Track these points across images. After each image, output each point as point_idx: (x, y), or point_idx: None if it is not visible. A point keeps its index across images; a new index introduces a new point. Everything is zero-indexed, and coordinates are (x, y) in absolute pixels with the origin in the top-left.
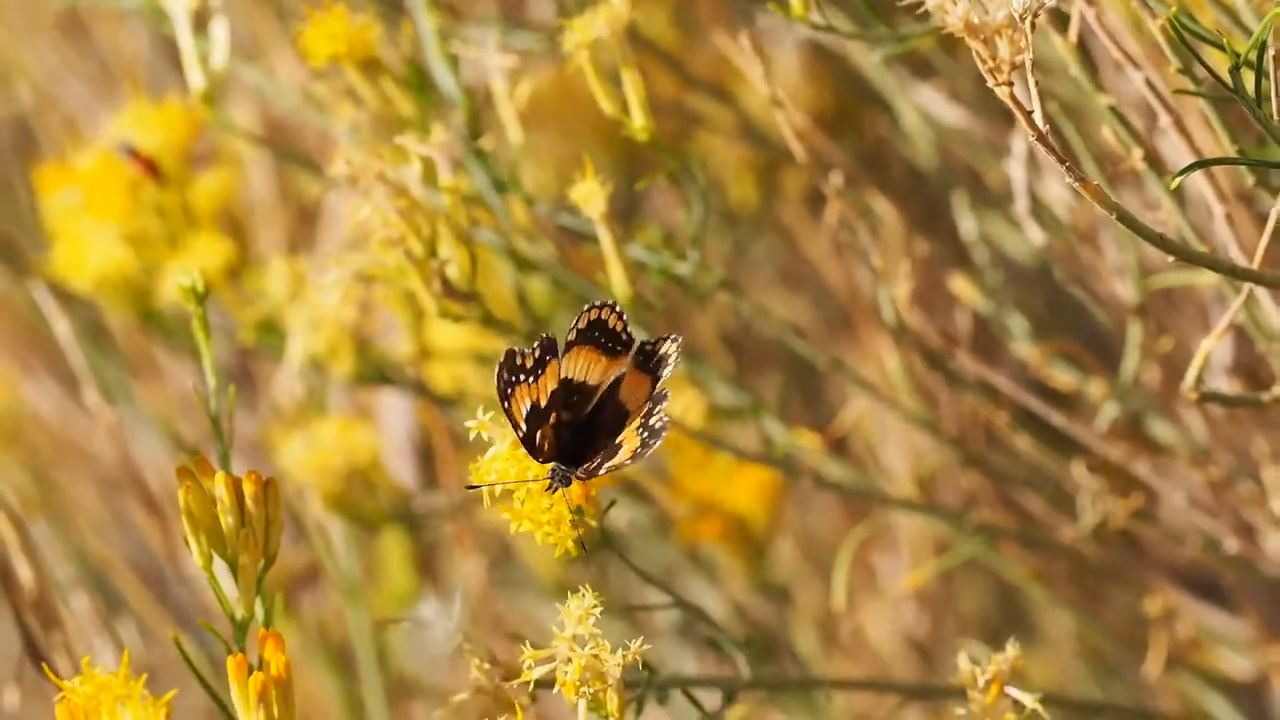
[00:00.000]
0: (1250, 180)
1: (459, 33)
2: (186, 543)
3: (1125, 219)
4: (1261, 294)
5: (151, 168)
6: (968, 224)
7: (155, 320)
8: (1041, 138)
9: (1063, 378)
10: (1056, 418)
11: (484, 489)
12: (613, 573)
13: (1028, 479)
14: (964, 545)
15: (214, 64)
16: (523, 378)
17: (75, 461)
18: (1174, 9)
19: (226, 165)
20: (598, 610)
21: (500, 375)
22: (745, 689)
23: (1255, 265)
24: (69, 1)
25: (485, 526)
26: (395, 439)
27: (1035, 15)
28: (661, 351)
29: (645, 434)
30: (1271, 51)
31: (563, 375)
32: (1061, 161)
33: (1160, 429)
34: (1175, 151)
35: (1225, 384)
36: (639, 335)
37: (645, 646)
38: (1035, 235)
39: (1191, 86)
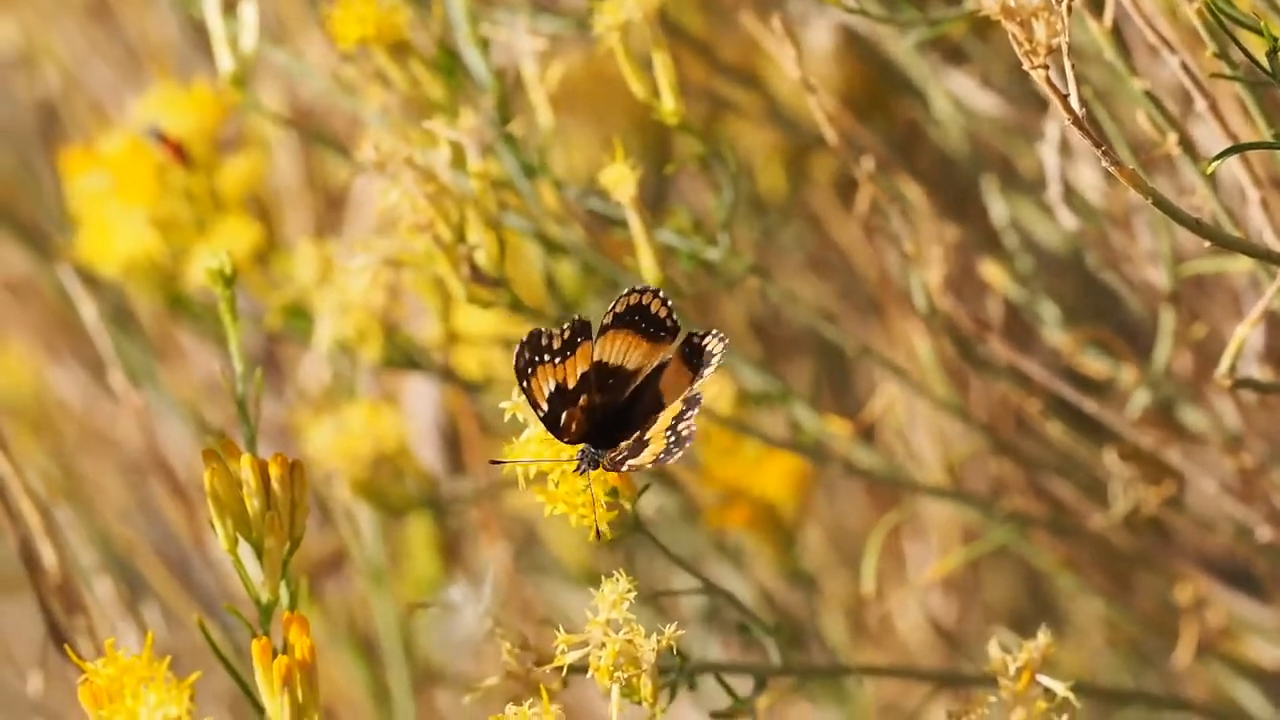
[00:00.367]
0: None
1: (489, 15)
2: (212, 526)
3: (1161, 204)
4: None
5: (180, 151)
6: (999, 209)
7: (182, 305)
8: (1078, 121)
9: (1094, 364)
10: (1088, 404)
11: (518, 472)
12: (639, 560)
13: (1058, 466)
14: (994, 533)
15: (244, 47)
16: (547, 358)
17: (101, 446)
18: None
19: (254, 149)
20: (631, 594)
21: (521, 355)
22: (777, 675)
23: None
24: None
25: (511, 512)
26: (421, 424)
27: None
28: (706, 347)
29: (672, 439)
30: None
31: (596, 358)
32: (1098, 146)
33: (1192, 416)
34: (1210, 136)
35: (1258, 371)
36: (686, 324)
37: (684, 631)
38: (1068, 221)
39: (1228, 71)
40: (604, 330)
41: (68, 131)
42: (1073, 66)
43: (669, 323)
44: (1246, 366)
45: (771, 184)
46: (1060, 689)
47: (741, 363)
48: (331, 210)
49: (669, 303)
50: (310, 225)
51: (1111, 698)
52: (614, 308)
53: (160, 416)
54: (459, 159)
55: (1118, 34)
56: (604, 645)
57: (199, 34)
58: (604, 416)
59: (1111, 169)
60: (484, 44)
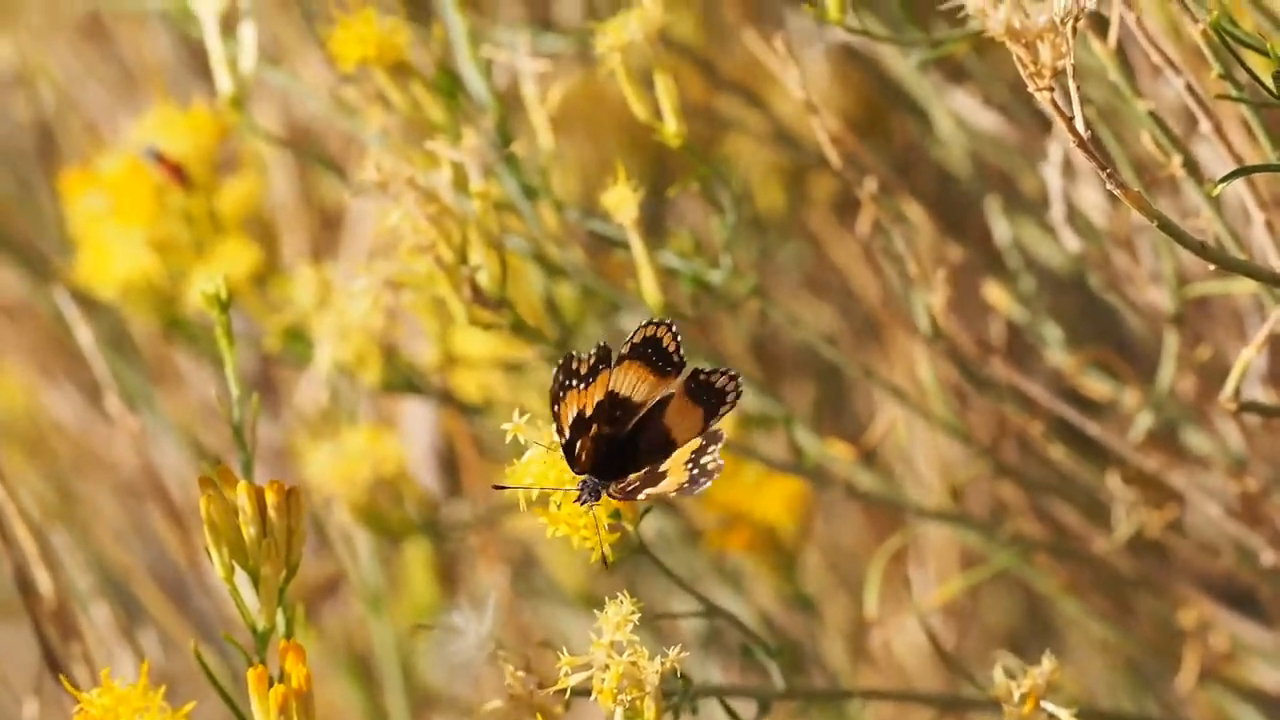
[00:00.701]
0: None
1: (490, 36)
2: (208, 553)
3: (1166, 226)
4: None
5: (178, 173)
6: (1001, 230)
7: (180, 327)
8: (1082, 143)
9: (1097, 387)
10: (1091, 427)
11: (519, 494)
12: (638, 583)
13: (1061, 489)
14: (997, 556)
15: (242, 68)
16: (576, 383)
17: (97, 470)
18: (1215, 13)
19: (252, 170)
20: (635, 616)
21: (557, 377)
22: (780, 699)
23: None
24: (92, 3)
25: (509, 536)
26: (419, 448)
27: (1077, 19)
28: (718, 386)
29: (696, 471)
30: None
31: (610, 388)
32: (1102, 168)
33: (1196, 439)
34: (1214, 158)
35: (1262, 394)
36: (690, 352)
37: (684, 654)
38: (1071, 242)
39: (1232, 92)
40: (620, 361)
41: (63, 152)
42: (1077, 88)
43: (675, 357)
44: (1251, 389)
45: (770, 203)
46: (1065, 715)
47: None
48: (328, 231)
49: (678, 336)
50: (307, 247)
51: None
52: (631, 339)
53: (157, 440)
54: (460, 180)
55: (1122, 55)
56: (608, 667)
57: (193, 54)
58: (609, 447)
59: (1116, 191)
60: (485, 65)
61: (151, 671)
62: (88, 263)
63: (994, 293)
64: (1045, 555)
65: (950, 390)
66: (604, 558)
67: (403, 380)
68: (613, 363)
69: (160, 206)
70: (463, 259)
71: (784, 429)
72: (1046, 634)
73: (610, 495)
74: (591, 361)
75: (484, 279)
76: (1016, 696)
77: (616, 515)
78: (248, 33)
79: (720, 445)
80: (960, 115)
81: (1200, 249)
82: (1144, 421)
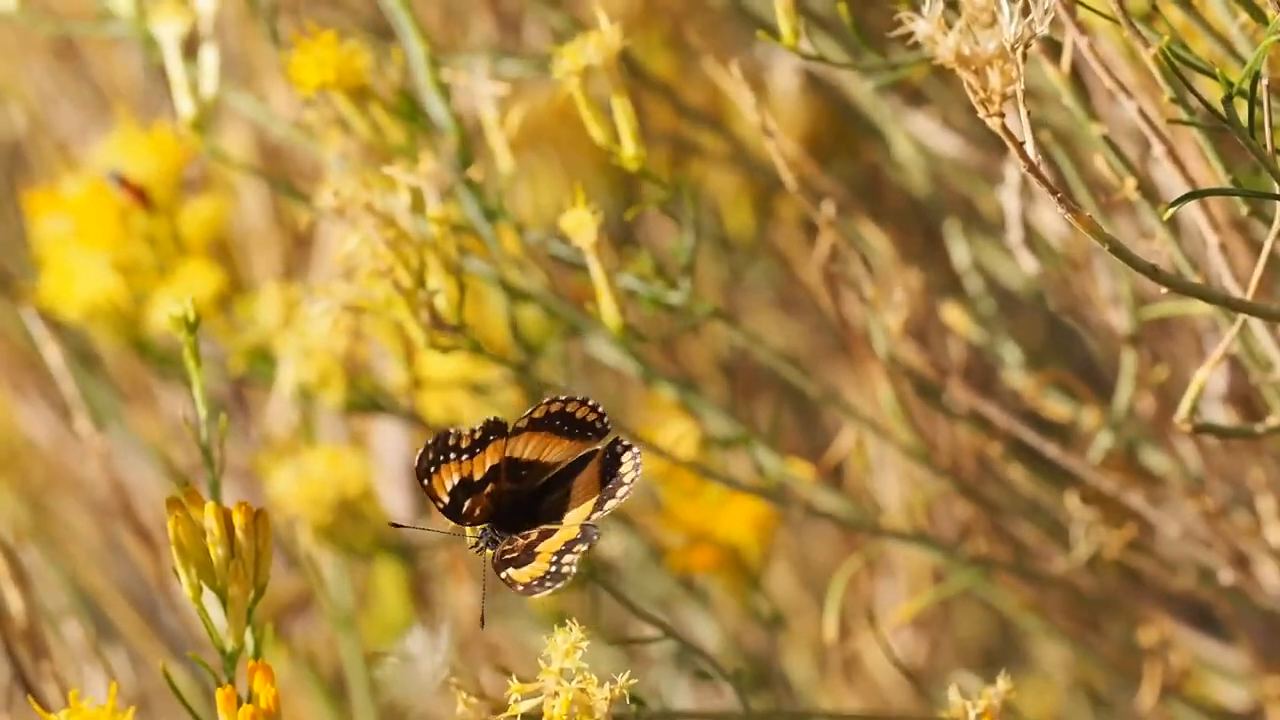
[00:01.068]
0: (1244, 210)
1: (450, 60)
2: (176, 573)
3: (1118, 250)
4: (1256, 324)
5: (141, 196)
6: (961, 253)
7: (146, 348)
8: (1034, 169)
9: (1056, 407)
10: (1050, 448)
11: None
12: (608, 601)
13: (1022, 509)
14: (958, 576)
15: (204, 91)
16: (454, 456)
17: (68, 488)
18: (1167, 38)
19: (219, 191)
20: (585, 644)
21: (425, 456)
22: None
23: (1249, 295)
24: (60, 28)
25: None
26: (389, 467)
27: (1027, 46)
28: (623, 466)
29: (553, 569)
30: (1265, 81)
31: (508, 454)
32: (1054, 193)
33: (1155, 459)
34: (1169, 180)
35: (1220, 414)
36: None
37: (633, 681)
38: (1028, 264)
39: (1185, 116)
40: (518, 431)
41: (34, 171)
42: (1029, 113)
43: (598, 425)
44: (1209, 409)
45: (739, 224)
46: None
47: (705, 406)
48: (299, 251)
49: (599, 408)
50: (277, 266)
51: None
52: (532, 413)
53: (127, 458)
54: (418, 204)
55: (1077, 78)
56: (557, 694)
57: (164, 75)
58: (513, 502)
59: (1067, 216)
60: (444, 89)
61: (122, 690)
62: (51, 284)
63: (953, 314)
64: (1007, 574)
65: (911, 412)
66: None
67: (367, 400)
68: (509, 431)
69: (123, 229)
70: (420, 283)
71: (746, 449)
72: (1017, 651)
73: (492, 560)
74: (478, 435)
75: (441, 303)
76: (972, 716)
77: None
78: (209, 56)
79: (586, 545)
80: (920, 138)
81: (1152, 272)
82: (1103, 442)
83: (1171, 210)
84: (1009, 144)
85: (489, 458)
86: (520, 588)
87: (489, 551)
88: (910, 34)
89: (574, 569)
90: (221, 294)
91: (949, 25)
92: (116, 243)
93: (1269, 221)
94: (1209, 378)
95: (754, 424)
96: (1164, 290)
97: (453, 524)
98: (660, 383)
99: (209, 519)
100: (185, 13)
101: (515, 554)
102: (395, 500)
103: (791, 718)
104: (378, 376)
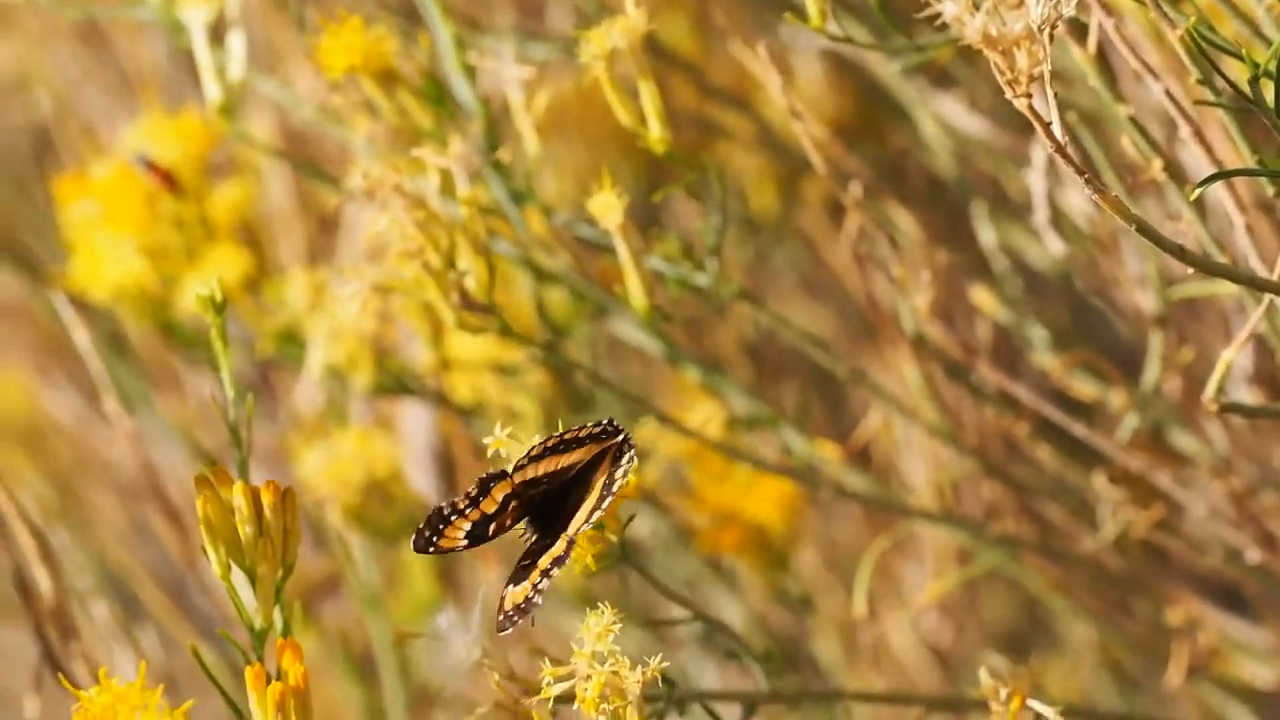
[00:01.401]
0: (1271, 191)
1: (476, 43)
2: (205, 552)
3: (1144, 230)
4: None
5: (169, 180)
6: (987, 234)
7: (174, 331)
8: (1060, 149)
9: (1083, 388)
10: (1077, 428)
11: None
12: (636, 583)
13: (1049, 489)
14: (984, 556)
15: (230, 76)
16: (455, 518)
17: (96, 471)
18: (1193, 19)
19: (246, 176)
20: (617, 627)
21: (421, 534)
22: (765, 702)
23: (1276, 276)
24: (86, 12)
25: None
26: (417, 449)
27: (1054, 26)
28: (620, 466)
29: (531, 597)
30: None
31: (519, 480)
32: (1080, 173)
33: (1182, 439)
34: (1196, 162)
35: (1247, 394)
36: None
37: (665, 663)
38: (1055, 245)
39: (1211, 97)
40: (520, 468)
41: (61, 156)
42: (1056, 94)
43: (608, 431)
44: (1235, 389)
45: (764, 206)
46: (1050, 714)
47: (731, 387)
48: (325, 235)
49: (603, 423)
50: (303, 250)
51: None
52: (530, 453)
53: (155, 441)
54: (447, 186)
55: (1104, 59)
56: (589, 677)
57: (191, 59)
58: (545, 497)
59: (1094, 196)
60: (470, 72)
61: (152, 670)
62: (80, 268)
63: (981, 296)
64: (1034, 554)
65: (938, 393)
66: (588, 562)
67: (395, 382)
68: (510, 472)
69: (151, 213)
70: (450, 264)
71: (773, 430)
72: (1043, 633)
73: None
74: (474, 493)
75: (471, 284)
76: (1002, 696)
77: (600, 526)
78: (236, 41)
79: (557, 570)
80: (947, 120)
81: (1178, 252)
82: (1130, 422)
83: (1198, 191)
84: (1036, 125)
85: (498, 493)
86: (501, 616)
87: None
88: (937, 15)
89: (540, 601)
90: (249, 277)
91: (976, 6)
92: (144, 226)
93: None
94: (1236, 358)
95: (780, 406)
96: (1190, 271)
97: None
98: (686, 364)
99: (237, 497)
100: None
101: (524, 564)
102: (423, 482)
103: (819, 697)
104: (405, 358)
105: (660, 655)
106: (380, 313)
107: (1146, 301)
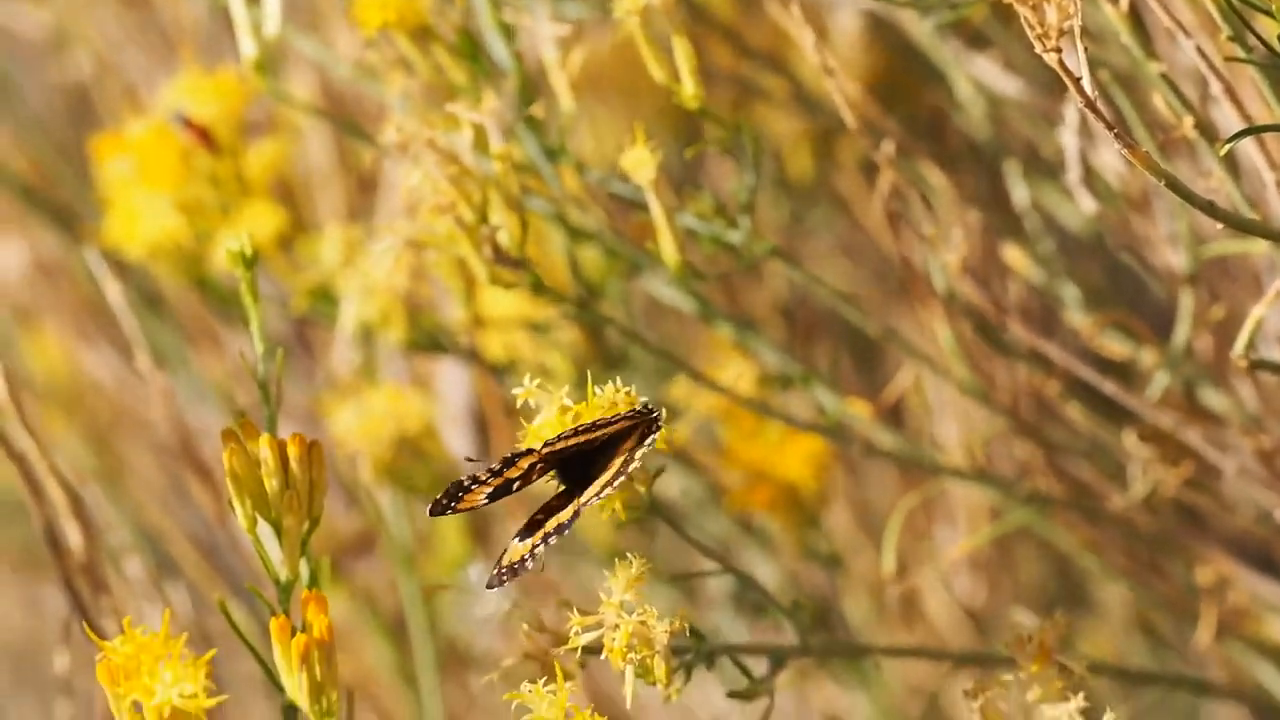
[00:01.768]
0: None
1: (511, 1)
2: (231, 505)
3: (1174, 185)
4: None
5: (205, 137)
6: (1021, 194)
7: (209, 288)
8: (1090, 104)
9: (1115, 347)
10: (1108, 386)
11: None
12: (668, 541)
13: (1080, 448)
14: (1014, 513)
15: (266, 33)
16: (475, 487)
17: (133, 430)
18: None
19: (283, 134)
20: (645, 576)
21: (437, 503)
22: (794, 656)
23: None
24: None
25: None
26: (453, 408)
27: None
28: (649, 436)
29: (527, 558)
30: None
31: (546, 452)
32: (1110, 128)
33: (1212, 398)
34: (1227, 121)
35: (1278, 353)
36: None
37: (692, 612)
38: (1087, 204)
39: (1242, 54)
40: (549, 445)
41: (100, 116)
42: (1086, 50)
43: (644, 411)
44: (1267, 348)
45: (799, 168)
46: (1077, 667)
47: (763, 345)
48: (363, 195)
49: (636, 409)
50: (341, 210)
51: (1131, 678)
52: (561, 435)
53: (191, 400)
54: (481, 141)
55: (1137, 17)
56: (617, 627)
57: (228, 18)
58: (575, 456)
59: (1124, 151)
60: (506, 29)
61: (184, 628)
62: (116, 225)
63: (1013, 255)
64: (1065, 513)
65: (971, 352)
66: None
67: (428, 339)
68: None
69: (187, 169)
70: (483, 219)
71: (805, 388)
72: (1076, 595)
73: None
74: (496, 467)
75: (504, 239)
76: (1029, 650)
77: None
78: None
79: (556, 538)
80: (981, 80)
81: (1209, 208)
82: (1161, 380)
83: (1228, 146)
84: (1066, 80)
85: (524, 463)
86: (495, 571)
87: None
88: None
89: (533, 565)
90: (284, 234)
91: None
92: (180, 183)
93: None
94: (1266, 316)
95: (813, 365)
96: (1220, 227)
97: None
98: (719, 321)
99: (263, 449)
100: None
101: (538, 517)
102: (456, 440)
103: (848, 651)
104: (439, 316)
105: (696, 606)
106: (413, 269)
107: (1178, 260)
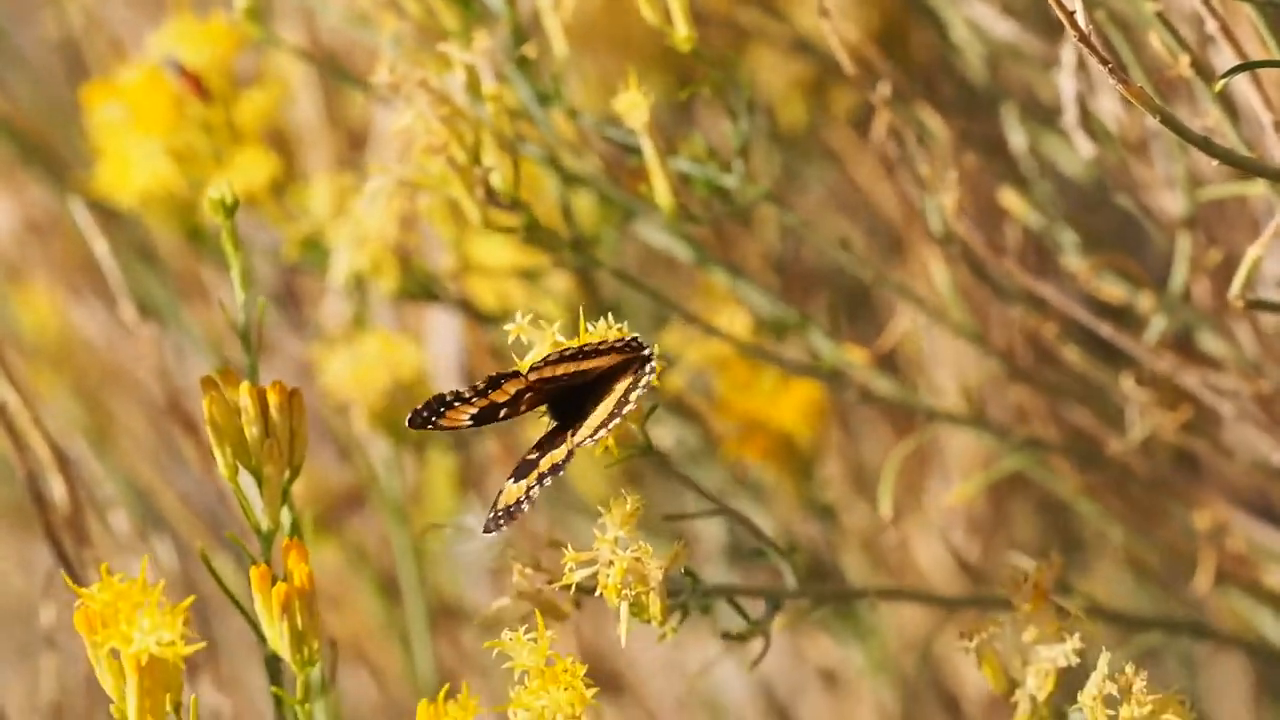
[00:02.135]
0: None
1: None
2: (211, 453)
3: (1168, 121)
4: None
5: (197, 84)
6: (1018, 138)
7: (200, 237)
8: (1084, 39)
9: (1112, 290)
10: (1105, 329)
11: None
12: (662, 496)
13: (1077, 392)
14: (1011, 458)
15: None
16: (457, 405)
17: (122, 385)
18: None
19: (273, 82)
20: (639, 514)
21: (417, 414)
22: (791, 598)
23: None
24: None
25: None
26: (443, 357)
27: None
28: (645, 372)
29: (522, 500)
30: None
31: (534, 378)
32: (1104, 63)
33: (1210, 342)
34: (1225, 62)
35: (1277, 295)
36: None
37: (687, 549)
38: (1084, 147)
39: None
40: (535, 369)
41: (91, 68)
42: None
43: (632, 344)
44: (1265, 291)
45: (793, 120)
46: (1073, 608)
47: (757, 293)
48: (354, 146)
49: (626, 339)
50: (332, 160)
51: (1129, 623)
52: (546, 358)
53: (183, 352)
54: (473, 83)
55: None
56: (611, 563)
57: None
58: (565, 392)
59: (1119, 87)
60: None
61: (171, 581)
62: (107, 172)
63: (1010, 199)
64: (1062, 459)
65: (967, 295)
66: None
67: (419, 287)
68: (526, 373)
69: (179, 116)
70: (476, 160)
71: (800, 335)
72: (1073, 545)
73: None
74: (481, 386)
75: (497, 180)
76: (1025, 591)
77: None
78: None
79: (552, 478)
80: (978, 23)
81: (1204, 144)
82: (1158, 324)
83: (1224, 82)
84: (1060, 14)
85: (511, 387)
86: (491, 514)
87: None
88: None
89: (530, 505)
90: (276, 182)
91: None
92: (171, 130)
93: None
94: (1264, 259)
95: (807, 312)
96: (1216, 164)
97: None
98: (713, 267)
99: (243, 398)
100: None
101: (530, 456)
102: (448, 388)
103: (844, 595)
104: (431, 264)
105: (682, 542)
106: (404, 217)
107: (1175, 203)
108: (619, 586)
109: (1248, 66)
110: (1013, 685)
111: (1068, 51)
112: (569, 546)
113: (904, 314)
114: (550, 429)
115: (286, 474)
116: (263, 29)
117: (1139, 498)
